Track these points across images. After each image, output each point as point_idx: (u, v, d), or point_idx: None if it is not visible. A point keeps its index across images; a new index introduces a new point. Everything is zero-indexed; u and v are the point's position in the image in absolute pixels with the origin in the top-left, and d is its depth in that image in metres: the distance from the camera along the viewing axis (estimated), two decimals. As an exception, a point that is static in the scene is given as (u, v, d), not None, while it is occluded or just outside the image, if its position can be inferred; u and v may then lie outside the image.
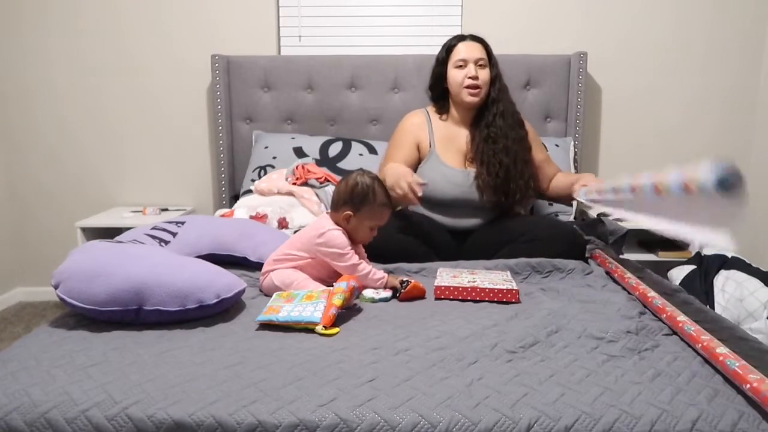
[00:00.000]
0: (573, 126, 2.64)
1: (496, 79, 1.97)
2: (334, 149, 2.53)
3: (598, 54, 2.71)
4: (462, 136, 2.01)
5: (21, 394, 0.95)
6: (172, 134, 2.86)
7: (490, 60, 1.97)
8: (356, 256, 1.48)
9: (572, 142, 2.61)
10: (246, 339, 1.18)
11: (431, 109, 2.09)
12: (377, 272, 1.49)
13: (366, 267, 1.48)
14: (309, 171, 2.34)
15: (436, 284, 1.46)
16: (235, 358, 1.08)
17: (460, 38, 1.98)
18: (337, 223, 1.51)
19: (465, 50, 1.94)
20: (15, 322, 2.71)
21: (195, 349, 1.13)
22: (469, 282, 1.46)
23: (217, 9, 2.74)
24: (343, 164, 2.47)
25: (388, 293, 1.46)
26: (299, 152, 2.53)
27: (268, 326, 1.24)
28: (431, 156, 1.99)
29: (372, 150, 2.53)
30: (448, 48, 1.98)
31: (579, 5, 2.70)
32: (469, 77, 1.91)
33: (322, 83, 2.68)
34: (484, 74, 1.93)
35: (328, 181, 2.34)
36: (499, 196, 1.90)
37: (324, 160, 2.48)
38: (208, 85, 2.80)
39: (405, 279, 1.47)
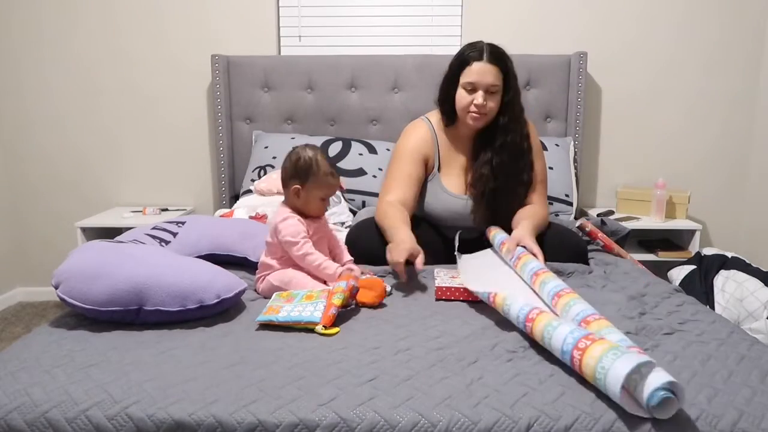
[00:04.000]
0: (573, 126, 2.64)
1: (509, 104, 1.79)
2: (334, 149, 2.53)
3: (598, 54, 2.71)
4: (465, 154, 1.91)
5: (21, 394, 0.95)
6: (172, 134, 2.86)
7: (507, 82, 1.77)
8: (308, 245, 1.47)
9: (572, 142, 2.61)
10: (246, 339, 1.18)
11: (434, 120, 1.92)
12: (330, 266, 1.47)
13: (317, 259, 1.47)
14: (309, 171, 2.34)
15: (436, 285, 1.46)
16: (235, 357, 1.08)
17: (478, 56, 1.74)
18: (290, 205, 1.52)
19: (478, 73, 1.73)
20: (15, 322, 2.71)
21: (195, 348, 1.13)
22: None
23: (217, 9, 2.74)
24: (343, 164, 2.47)
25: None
26: (299, 152, 2.52)
27: (268, 326, 1.24)
28: (434, 179, 1.89)
29: (372, 150, 2.53)
30: (462, 63, 1.77)
31: (579, 5, 2.70)
32: (475, 105, 1.75)
33: (322, 83, 2.68)
34: (493, 103, 1.76)
35: (328, 181, 2.34)
36: (489, 223, 1.85)
37: (324, 160, 2.48)
38: (208, 85, 2.80)
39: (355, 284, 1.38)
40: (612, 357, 0.90)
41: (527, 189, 1.88)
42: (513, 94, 1.79)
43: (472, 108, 1.76)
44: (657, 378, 0.86)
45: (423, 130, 1.90)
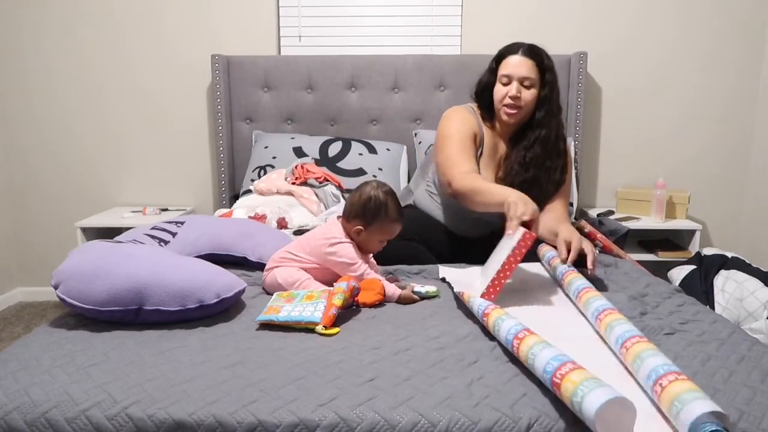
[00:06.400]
0: (573, 126, 2.64)
1: (544, 100, 1.80)
2: (334, 149, 2.53)
3: (598, 54, 2.71)
4: (501, 150, 1.91)
5: (21, 394, 0.95)
6: (172, 134, 2.86)
7: (543, 77, 1.80)
8: (364, 266, 1.48)
9: (572, 142, 2.61)
10: (246, 339, 1.18)
11: (477, 110, 1.91)
12: (388, 286, 1.45)
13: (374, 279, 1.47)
14: (308, 171, 2.35)
15: (479, 294, 1.35)
16: (235, 357, 1.08)
17: (514, 50, 1.80)
18: (347, 233, 1.50)
19: (513, 66, 1.78)
20: (15, 322, 2.71)
21: (195, 348, 1.13)
22: (492, 270, 1.38)
23: (217, 9, 2.75)
24: (342, 164, 2.47)
25: (432, 287, 1.45)
26: (299, 152, 2.53)
27: (268, 326, 1.24)
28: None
29: (372, 150, 2.53)
30: (498, 58, 1.83)
31: (579, 5, 2.70)
32: (510, 96, 1.77)
33: (322, 83, 2.68)
34: (528, 95, 1.78)
35: (328, 180, 2.34)
36: None
37: (324, 160, 2.48)
38: (208, 85, 2.80)
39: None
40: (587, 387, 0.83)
41: (557, 190, 1.87)
42: (549, 90, 1.80)
43: (507, 100, 1.78)
44: (702, 406, 0.78)
45: (468, 113, 1.89)
